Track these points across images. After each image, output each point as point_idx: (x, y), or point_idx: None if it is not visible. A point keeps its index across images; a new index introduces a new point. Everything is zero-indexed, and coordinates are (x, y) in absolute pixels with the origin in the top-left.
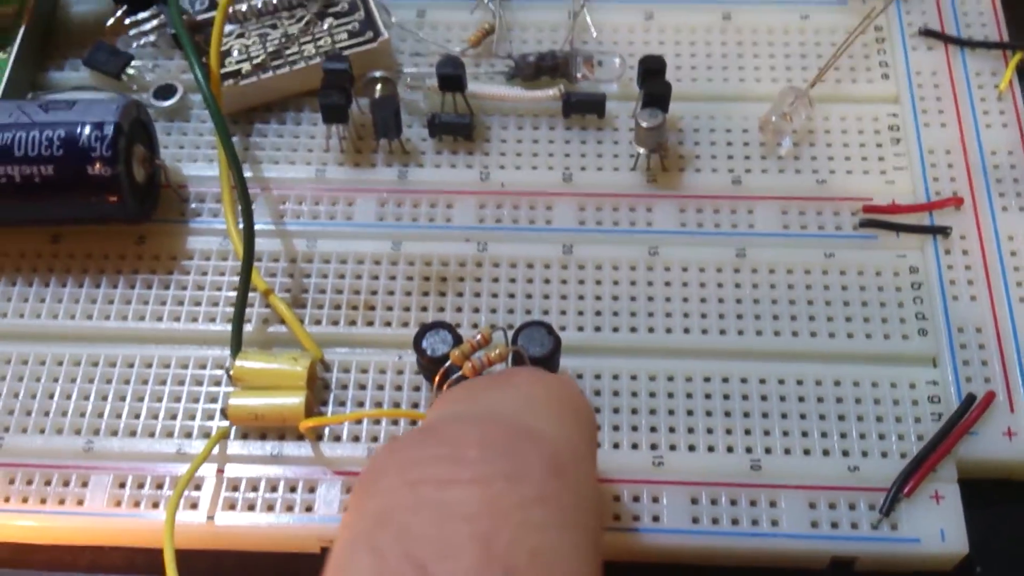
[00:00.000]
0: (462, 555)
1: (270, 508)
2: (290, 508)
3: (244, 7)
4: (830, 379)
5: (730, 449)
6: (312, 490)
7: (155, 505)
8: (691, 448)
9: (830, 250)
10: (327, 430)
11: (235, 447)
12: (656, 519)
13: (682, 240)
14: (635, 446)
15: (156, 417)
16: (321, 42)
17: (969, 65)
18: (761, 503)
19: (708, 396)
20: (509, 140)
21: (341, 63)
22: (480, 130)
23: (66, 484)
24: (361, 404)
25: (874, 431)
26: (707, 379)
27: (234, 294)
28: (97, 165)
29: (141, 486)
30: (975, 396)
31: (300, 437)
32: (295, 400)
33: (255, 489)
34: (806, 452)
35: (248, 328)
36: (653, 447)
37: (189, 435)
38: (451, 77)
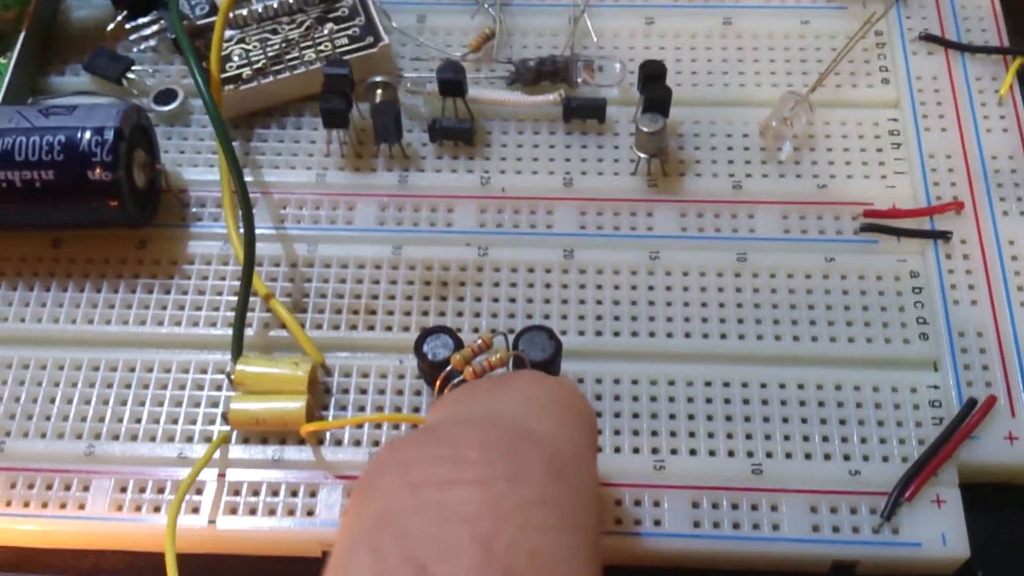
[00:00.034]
0: (462, 556)
1: (271, 512)
2: (291, 512)
3: (245, 12)
4: (831, 383)
5: (731, 453)
6: (313, 494)
7: (156, 509)
8: (692, 452)
9: (831, 255)
10: (328, 434)
11: (236, 451)
12: (657, 523)
13: (683, 245)
14: (636, 450)
15: (157, 421)
16: (322, 47)
17: (969, 70)
18: (762, 507)
19: (709, 400)
20: (510, 145)
21: (342, 68)
22: (481, 135)
23: (67, 488)
24: (362, 408)
25: (875, 435)
26: (708, 383)
27: (235, 298)
28: (98, 170)
29: (142, 490)
30: (976, 400)
31: (301, 441)
32: (296, 404)
33: (256, 493)
34: (807, 456)
35: (249, 332)
36: (654, 451)
37: (190, 439)
38: (452, 82)
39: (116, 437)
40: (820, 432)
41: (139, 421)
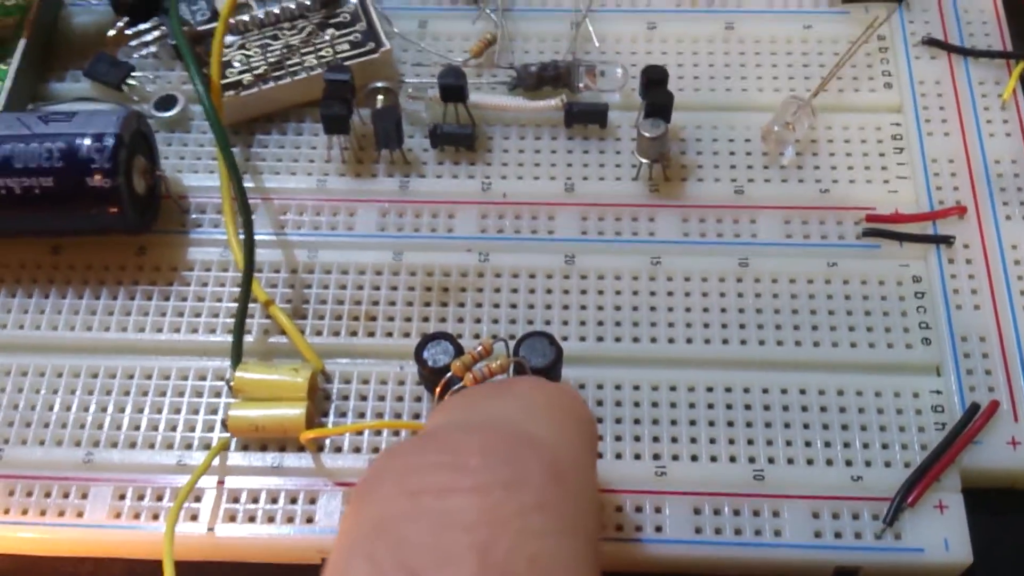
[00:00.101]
0: (460, 564)
1: (271, 519)
2: (291, 519)
3: (245, 18)
4: (833, 388)
5: (733, 459)
6: (313, 501)
7: (155, 517)
8: (694, 458)
9: (833, 259)
10: (328, 441)
11: (235, 458)
12: (659, 529)
13: (684, 250)
14: (637, 456)
15: (156, 428)
16: (322, 53)
17: (972, 74)
18: (764, 513)
19: (711, 406)
20: (511, 150)
21: (342, 74)
22: (482, 140)
23: (66, 496)
24: (362, 415)
25: (877, 441)
26: (710, 389)
27: (235, 305)
28: (97, 177)
29: (141, 498)
30: (979, 405)
31: (301, 448)
32: (296, 411)
33: (255, 500)
34: (809, 462)
35: (249, 339)
36: (656, 457)
37: (189, 446)
38: (453, 87)
39: (115, 444)
40: (822, 437)
41: (138, 428)
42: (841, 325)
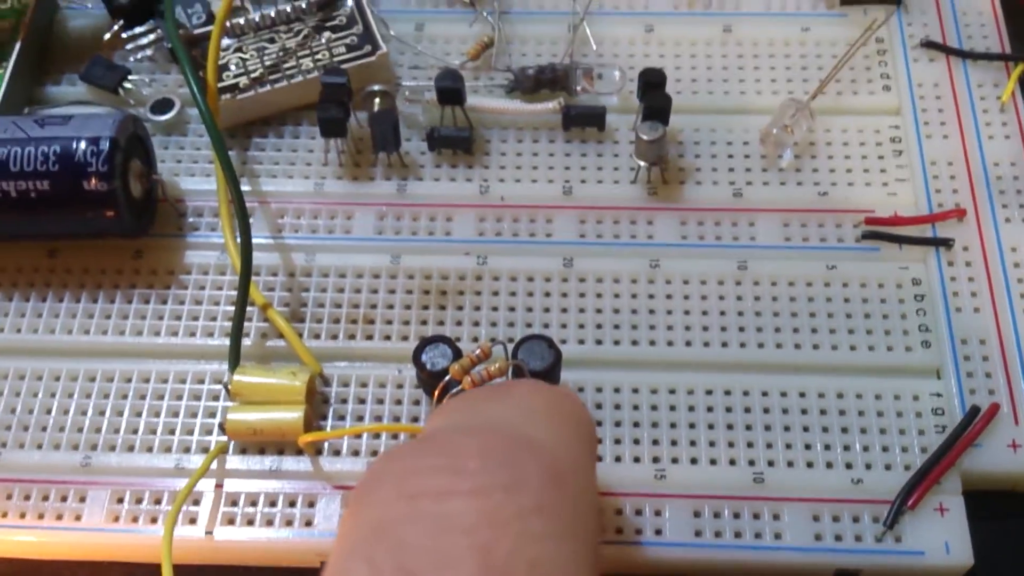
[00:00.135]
0: (460, 567)
1: (269, 523)
2: (289, 523)
3: (242, 21)
4: (833, 391)
5: (732, 462)
6: (311, 504)
7: (153, 520)
8: (693, 461)
9: (832, 262)
10: (326, 444)
11: (234, 462)
12: (659, 532)
13: (683, 253)
14: (637, 459)
15: (154, 432)
16: (319, 56)
17: (971, 77)
18: (764, 516)
19: (710, 409)
20: (509, 153)
21: (339, 77)
22: (479, 143)
23: (64, 499)
24: (360, 418)
25: (878, 443)
26: (709, 392)
27: (232, 308)
28: (93, 180)
29: (139, 501)
30: (979, 408)
31: (299, 451)
32: (294, 414)
33: (254, 504)
34: (809, 465)
35: (246, 342)
36: (655, 460)
37: (187, 450)
38: (450, 90)
39: (113, 448)
40: (822, 440)
41: (136, 432)
42: (840, 328)
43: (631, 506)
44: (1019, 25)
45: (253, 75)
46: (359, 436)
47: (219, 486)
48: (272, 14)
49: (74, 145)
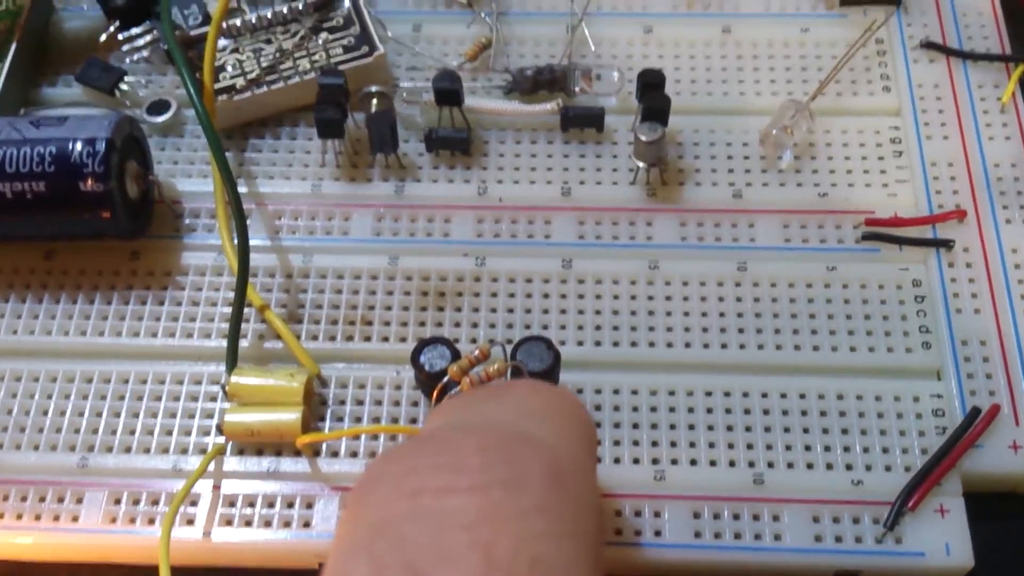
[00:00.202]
0: (462, 563)
1: (267, 524)
2: (287, 524)
3: (238, 22)
4: (833, 393)
5: (732, 463)
6: (309, 506)
7: (151, 521)
8: (693, 462)
9: (832, 263)
10: (324, 446)
11: (231, 463)
12: (658, 534)
13: (682, 254)
14: (636, 461)
15: (151, 433)
16: (316, 57)
17: (971, 78)
18: (764, 517)
19: (710, 410)
20: (507, 155)
21: (336, 78)
22: (478, 145)
23: (61, 501)
24: (358, 420)
25: (878, 445)
26: (708, 393)
27: (229, 310)
28: (89, 181)
29: (137, 502)
30: (980, 409)
31: (297, 453)
32: (292, 416)
33: (252, 505)
34: (809, 466)
35: (244, 344)
36: (655, 461)
37: (185, 451)
38: (448, 91)
39: (110, 449)
40: (822, 442)
41: (133, 433)
42: (840, 329)
43: (630, 507)
44: (1019, 26)
45: (250, 76)
46: (357, 437)
47: (217, 487)
48: (269, 15)
49: (70, 146)
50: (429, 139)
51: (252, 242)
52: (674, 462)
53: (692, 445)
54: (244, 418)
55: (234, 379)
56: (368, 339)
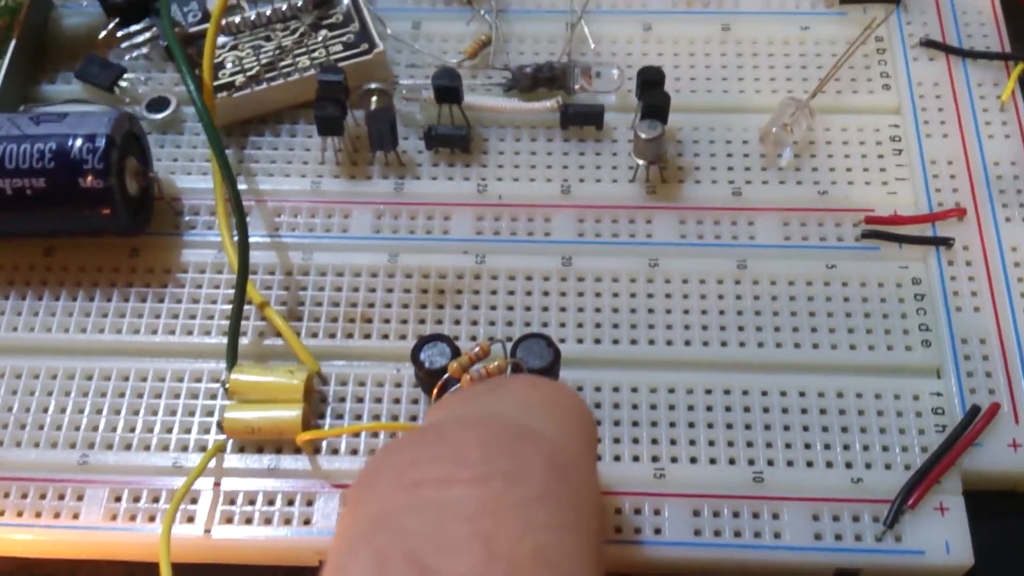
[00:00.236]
0: (464, 554)
1: (267, 521)
2: (288, 521)
3: (237, 19)
4: (833, 391)
5: (732, 461)
6: (310, 503)
7: (151, 519)
8: (693, 460)
9: (832, 261)
10: (324, 443)
11: (232, 460)
12: (658, 531)
13: (682, 252)
14: (636, 458)
15: (152, 430)
16: (316, 54)
17: (971, 76)
18: (764, 515)
19: (709, 408)
20: (507, 152)
21: (336, 75)
22: (477, 142)
23: (61, 498)
24: (359, 417)
25: (878, 443)
26: (708, 391)
27: (229, 307)
28: (89, 178)
29: (137, 500)
30: (979, 407)
31: (297, 450)
32: (292, 413)
33: (252, 502)
34: (809, 464)
35: (244, 341)
36: (654, 459)
37: (185, 448)
38: (447, 89)
39: (110, 446)
40: (822, 440)
41: (133, 430)
42: (840, 327)
43: (630, 505)
44: (1019, 24)
45: (249, 73)
46: (357, 435)
47: (217, 484)
48: (268, 12)
49: (70, 142)
50: (429, 136)
51: (252, 239)
52: (674, 460)
53: (692, 443)
54: (244, 415)
55: (234, 376)
56: (368, 336)
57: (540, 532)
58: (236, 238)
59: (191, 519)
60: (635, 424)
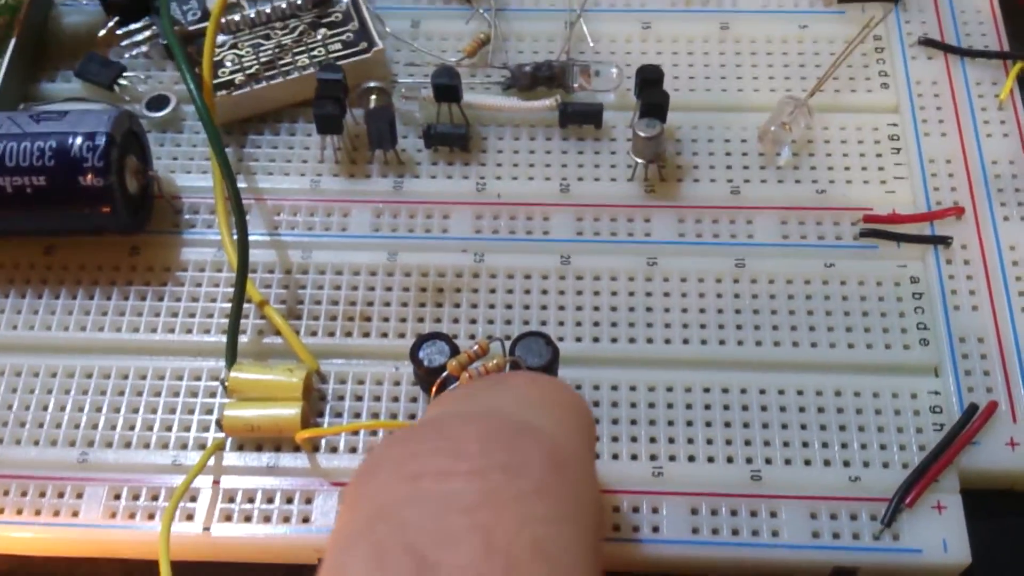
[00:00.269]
0: (462, 545)
1: (266, 519)
2: (287, 519)
3: (237, 17)
4: (831, 389)
5: (730, 459)
6: (309, 501)
7: (151, 517)
8: (691, 459)
9: (830, 260)
10: (323, 441)
11: (231, 458)
12: (656, 530)
13: (681, 250)
14: (634, 457)
15: (151, 428)
16: (315, 52)
17: (969, 74)
18: (762, 513)
19: (708, 407)
20: (505, 151)
21: (335, 73)
22: (476, 141)
23: (61, 496)
24: (357, 415)
25: (875, 441)
26: (706, 390)
27: (229, 305)
28: (89, 176)
29: (136, 497)
30: (977, 406)
31: (296, 448)
32: (291, 411)
33: (251, 500)
34: (807, 462)
35: (243, 339)
36: (652, 458)
37: (185, 446)
38: (446, 87)
39: (110, 444)
40: (820, 438)
41: (133, 428)
42: (838, 326)
43: (628, 503)
44: (1017, 23)
45: (249, 71)
46: (356, 433)
47: (216, 482)
48: (267, 10)
49: (70, 140)
50: (428, 135)
51: (251, 237)
52: (672, 458)
53: (690, 441)
54: (243, 413)
55: (233, 374)
56: (367, 335)
57: (538, 525)
58: (236, 236)
59: (190, 517)
60: (633, 422)
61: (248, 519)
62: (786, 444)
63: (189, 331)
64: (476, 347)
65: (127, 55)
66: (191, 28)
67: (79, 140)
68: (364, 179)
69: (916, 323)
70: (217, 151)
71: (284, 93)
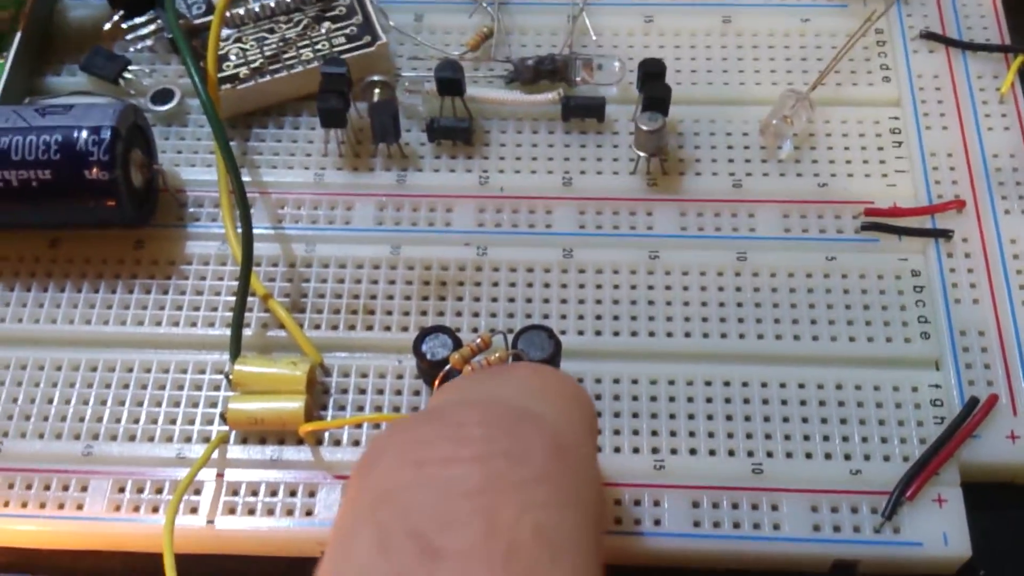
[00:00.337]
0: (465, 528)
1: (270, 512)
2: (290, 512)
3: (241, 11)
4: (832, 382)
5: (731, 453)
6: (312, 494)
7: (155, 509)
8: (692, 452)
9: (831, 253)
10: (327, 434)
11: (235, 451)
12: (657, 523)
13: (682, 244)
14: (636, 450)
15: (155, 421)
16: (319, 46)
17: (971, 68)
18: (763, 507)
19: (709, 400)
20: (508, 144)
21: (339, 67)
22: (479, 134)
23: (65, 489)
24: (361, 408)
25: (876, 435)
26: (708, 383)
27: (233, 299)
28: (94, 169)
29: (141, 490)
30: (978, 399)
31: (300, 441)
32: (295, 404)
33: (255, 493)
34: (808, 456)
35: (247, 332)
36: (654, 451)
37: (189, 439)
38: (450, 81)
39: (114, 437)
40: (821, 431)
41: (137, 421)
42: (840, 319)
43: (630, 496)
44: (1019, 17)
45: (253, 65)
46: (359, 426)
47: (220, 475)
48: (272, 4)
49: (75, 134)
50: (431, 129)
51: (255, 231)
52: (673, 451)
53: (692, 435)
54: (247, 406)
55: (237, 368)
56: (370, 328)
57: (540, 510)
58: (240, 230)
59: (194, 510)
60: (635, 415)
61: (252, 512)
62: (787, 437)
63: (193, 324)
64: (479, 340)
65: (132, 49)
66: (196, 22)
67: (84, 134)
68: (368, 173)
69: (917, 316)
70: (221, 145)
71: (288, 87)
